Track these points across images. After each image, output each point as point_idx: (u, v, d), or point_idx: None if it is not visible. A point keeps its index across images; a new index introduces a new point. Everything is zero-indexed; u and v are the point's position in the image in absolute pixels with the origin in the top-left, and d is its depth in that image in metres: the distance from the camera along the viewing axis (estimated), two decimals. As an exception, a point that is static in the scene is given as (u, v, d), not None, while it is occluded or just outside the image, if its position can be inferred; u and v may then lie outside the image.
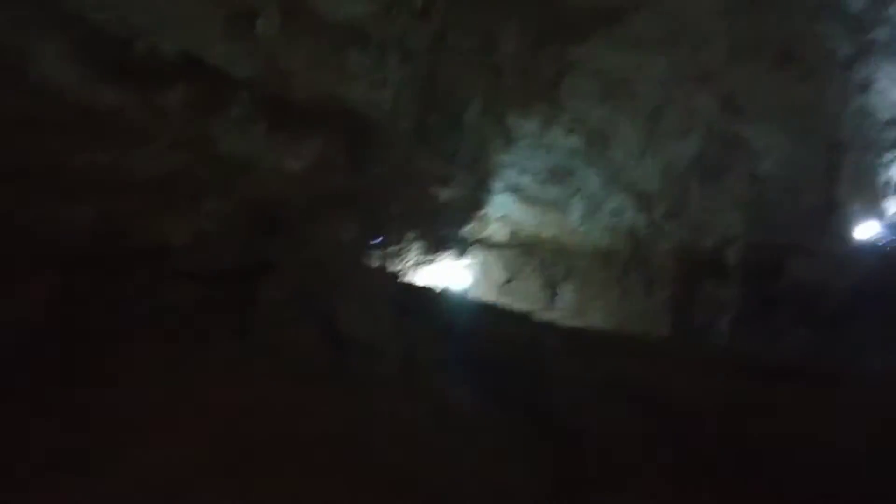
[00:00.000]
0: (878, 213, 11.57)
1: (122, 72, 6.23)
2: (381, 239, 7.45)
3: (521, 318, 8.48)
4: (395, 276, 8.32)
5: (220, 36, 6.68)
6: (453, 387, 6.36)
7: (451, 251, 10.02)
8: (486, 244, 11.19)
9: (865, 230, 11.54)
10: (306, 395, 5.59)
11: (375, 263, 8.53)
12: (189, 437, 4.86)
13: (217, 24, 6.63)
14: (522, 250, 11.45)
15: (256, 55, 7.01)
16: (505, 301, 10.84)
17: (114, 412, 5.01)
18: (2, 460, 4.38)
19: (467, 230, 10.78)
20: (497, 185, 10.41)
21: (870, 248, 11.41)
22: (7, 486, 4.22)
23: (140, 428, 4.91)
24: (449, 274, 10.16)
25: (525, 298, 11.27)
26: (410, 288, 8.03)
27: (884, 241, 11.42)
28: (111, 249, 5.71)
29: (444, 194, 9.49)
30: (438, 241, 9.70)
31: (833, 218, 11.43)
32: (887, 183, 11.54)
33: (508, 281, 11.44)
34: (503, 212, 10.83)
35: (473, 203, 10.20)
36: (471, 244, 10.94)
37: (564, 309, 11.60)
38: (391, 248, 8.83)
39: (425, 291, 7.89)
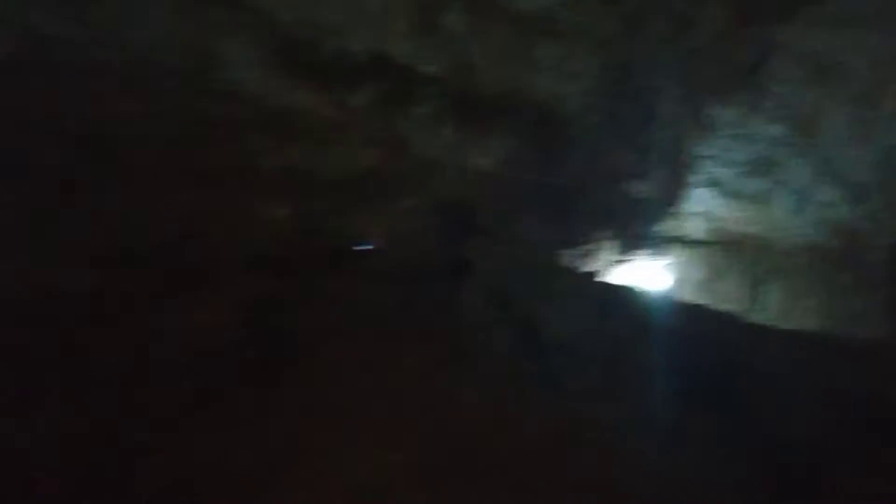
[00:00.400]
0: None
1: (312, 73, 5.96)
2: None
3: (729, 320, 7.58)
4: (592, 276, 7.55)
5: (407, 32, 6.24)
6: (658, 391, 5.83)
7: (646, 250, 9.10)
8: (684, 242, 10.15)
9: None
10: (509, 400, 5.24)
11: (568, 263, 7.77)
12: (392, 442, 4.64)
13: (404, 21, 6.20)
14: (723, 248, 10.30)
15: (443, 51, 6.52)
16: (705, 302, 9.75)
17: (316, 415, 4.85)
18: (212, 464, 4.28)
19: (664, 227, 9.73)
20: (695, 178, 9.29)
21: None
22: (216, 490, 4.12)
23: (343, 432, 4.72)
24: (645, 273, 9.25)
25: (727, 299, 10.14)
26: (609, 288, 7.27)
27: None
28: (309, 250, 5.46)
29: (639, 190, 8.54)
30: (633, 240, 8.81)
31: None
32: None
33: (709, 280, 10.33)
34: (702, 207, 9.71)
35: (670, 198, 9.16)
36: (667, 242, 9.93)
37: (770, 310, 10.31)
38: (584, 248, 8.03)
39: (625, 291, 7.11)
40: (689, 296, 10.02)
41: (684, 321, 7.17)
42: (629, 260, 8.88)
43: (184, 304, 5.22)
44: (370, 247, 5.76)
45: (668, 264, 10.00)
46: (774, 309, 10.67)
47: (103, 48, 4.41)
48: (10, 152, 4.46)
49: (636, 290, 7.72)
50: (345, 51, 6.05)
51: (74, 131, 4.59)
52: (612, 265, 8.65)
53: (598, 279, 7.69)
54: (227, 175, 5.30)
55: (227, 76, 5.39)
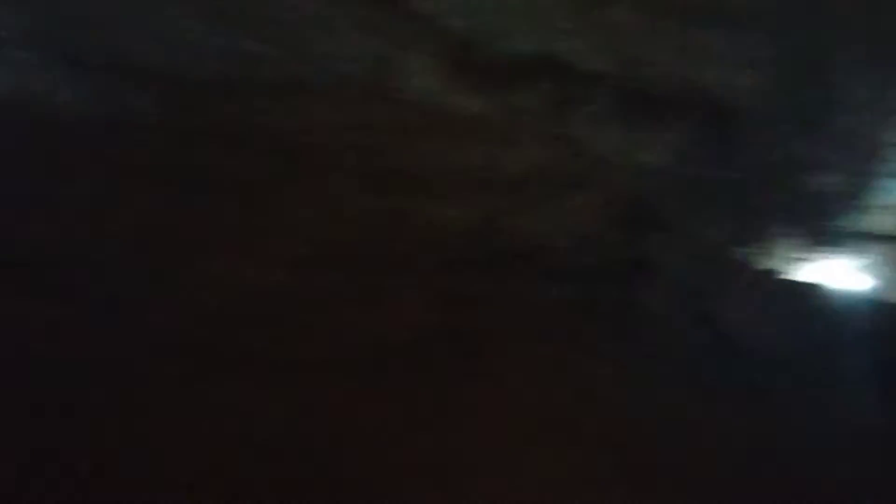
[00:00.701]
0: None
1: (482, 77, 6.02)
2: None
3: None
4: (776, 273, 7.12)
5: (574, 31, 6.17)
6: (856, 394, 5.50)
7: (832, 246, 8.44)
8: (875, 237, 9.35)
9: None
10: (692, 402, 5.04)
11: (749, 260, 7.37)
12: (575, 441, 4.58)
13: (572, 19, 6.13)
14: (922, 243, 9.40)
15: (611, 47, 6.39)
16: (901, 301, 8.94)
17: (495, 413, 4.86)
18: (396, 460, 4.35)
19: (850, 222, 9.00)
20: (885, 168, 8.55)
21: None
22: (399, 484, 4.16)
23: (526, 429, 4.69)
24: (832, 271, 8.60)
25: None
26: (796, 286, 6.84)
27: None
28: (486, 249, 5.55)
29: (822, 182, 7.92)
30: (818, 235, 8.19)
31: None
32: None
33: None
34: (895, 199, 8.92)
35: (858, 190, 8.46)
36: (855, 238, 9.18)
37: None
38: (765, 244, 7.59)
39: (813, 289, 6.67)
40: (883, 294, 9.25)
41: (879, 320, 6.69)
42: (814, 257, 8.30)
43: (367, 304, 5.41)
44: (547, 245, 5.76)
45: (857, 261, 9.27)
46: None
47: (297, 64, 4.72)
48: (215, 161, 4.85)
49: (824, 287, 7.24)
50: (512, 53, 6.08)
51: (270, 140, 4.95)
52: (795, 262, 8.11)
53: (783, 277, 7.25)
54: (407, 177, 5.50)
55: (404, 84, 5.58)
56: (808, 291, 6.85)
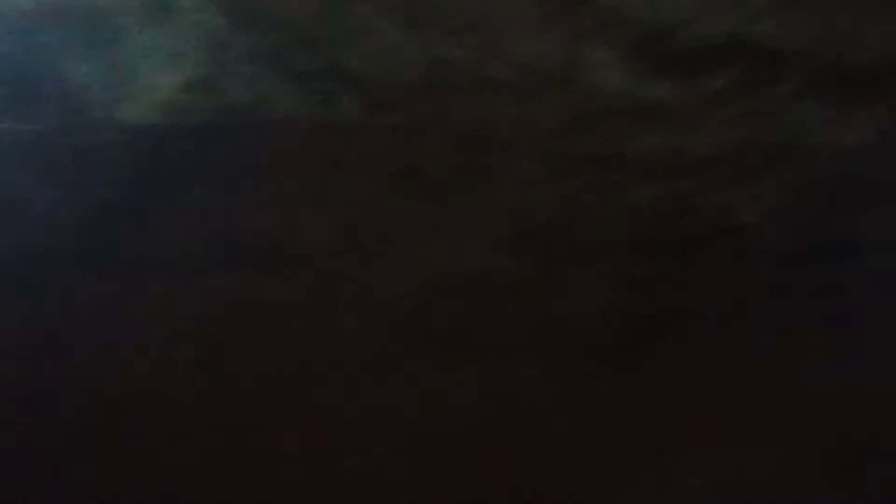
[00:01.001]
0: None
1: (667, 64, 5.92)
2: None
3: None
4: None
5: (768, 9, 5.89)
6: None
7: None
8: None
9: None
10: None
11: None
12: (763, 438, 4.60)
13: (765, -1, 5.86)
14: None
15: (807, 24, 6.02)
16: None
17: (679, 404, 4.87)
18: (568, 445, 4.60)
19: None
20: None
21: None
22: (573, 472, 4.46)
23: (711, 421, 4.75)
24: None
25: None
26: None
27: None
28: (678, 231, 5.47)
29: None
30: None
31: None
32: None
33: None
34: None
35: None
36: None
37: None
38: None
39: None
40: None
41: None
42: None
43: (553, 286, 5.45)
44: (739, 226, 5.57)
45: None
46: None
47: (488, 64, 4.92)
48: (415, 155, 5.20)
49: None
50: (699, 38, 5.93)
51: (464, 134, 5.22)
52: None
53: None
54: (593, 163, 5.55)
55: (591, 76, 5.61)
56: None
